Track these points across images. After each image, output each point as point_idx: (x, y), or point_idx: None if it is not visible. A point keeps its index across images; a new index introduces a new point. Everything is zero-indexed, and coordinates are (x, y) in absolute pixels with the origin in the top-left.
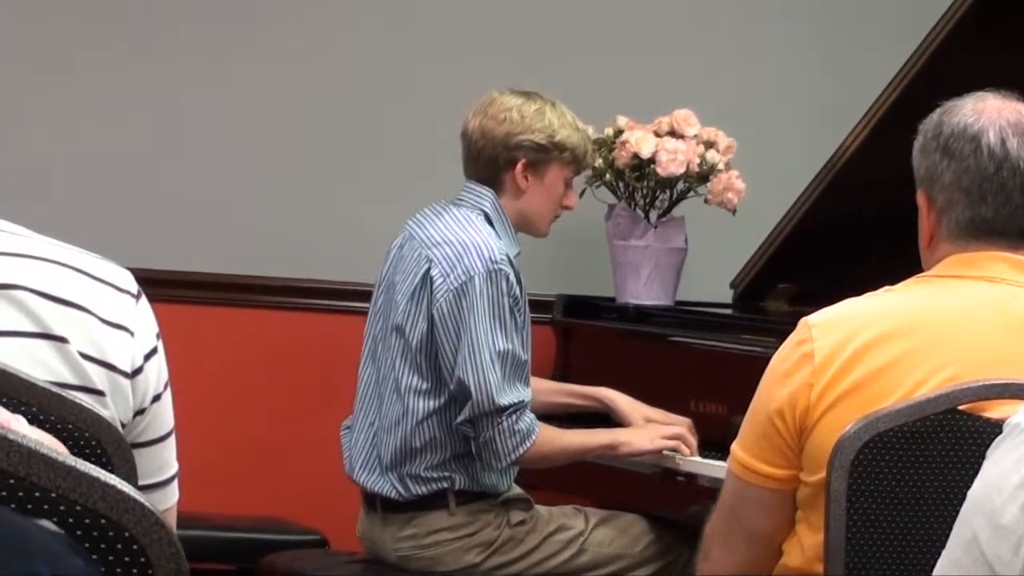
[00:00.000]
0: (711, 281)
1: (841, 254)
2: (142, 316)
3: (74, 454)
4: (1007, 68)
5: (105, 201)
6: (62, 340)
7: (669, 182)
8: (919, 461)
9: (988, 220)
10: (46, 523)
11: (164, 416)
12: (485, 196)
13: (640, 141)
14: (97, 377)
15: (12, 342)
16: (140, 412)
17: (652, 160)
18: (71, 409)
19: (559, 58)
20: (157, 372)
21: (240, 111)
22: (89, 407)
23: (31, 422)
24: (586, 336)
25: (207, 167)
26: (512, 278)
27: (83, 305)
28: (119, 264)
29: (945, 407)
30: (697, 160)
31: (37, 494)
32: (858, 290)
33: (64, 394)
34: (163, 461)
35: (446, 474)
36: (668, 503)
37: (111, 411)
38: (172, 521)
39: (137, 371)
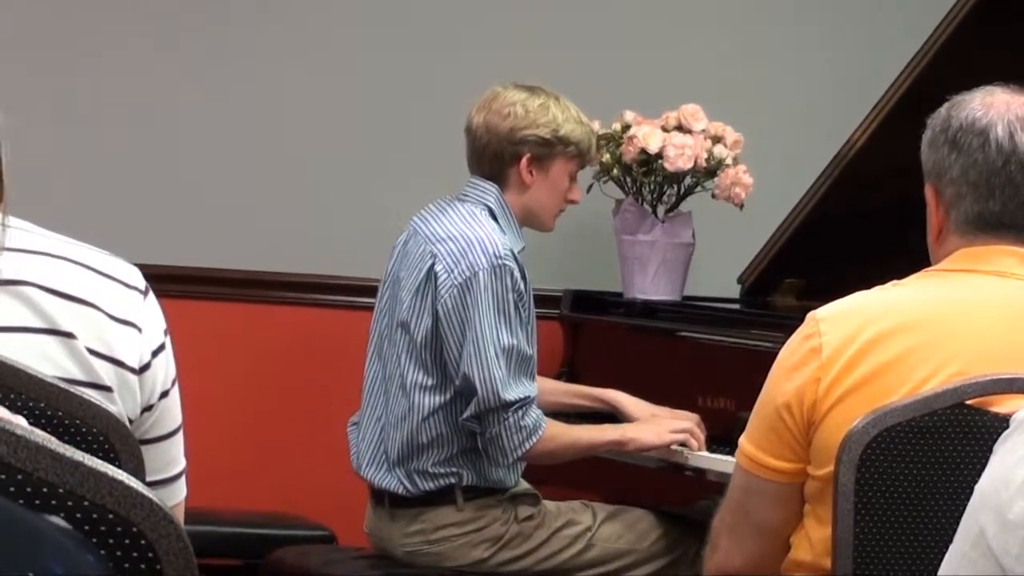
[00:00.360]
0: (719, 276)
1: (849, 249)
2: (150, 312)
3: (82, 450)
4: (1014, 65)
5: (112, 198)
6: (70, 336)
7: (676, 177)
8: (927, 456)
9: (996, 214)
10: (56, 519)
11: (172, 412)
12: (489, 191)
13: (648, 136)
14: (105, 373)
15: (20, 338)
16: (148, 408)
17: (659, 155)
18: (79, 405)
19: (567, 54)
20: (165, 368)
21: (245, 108)
22: (97, 403)
23: (38, 418)
24: (594, 331)
25: (213, 163)
26: (516, 273)
27: (91, 301)
28: (126, 260)
29: (953, 402)
30: (705, 155)
31: (45, 489)
32: (866, 284)
33: (72, 390)
34: (171, 457)
35: (453, 470)
36: (676, 498)
37: (119, 407)
38: (180, 517)
39: (145, 367)
